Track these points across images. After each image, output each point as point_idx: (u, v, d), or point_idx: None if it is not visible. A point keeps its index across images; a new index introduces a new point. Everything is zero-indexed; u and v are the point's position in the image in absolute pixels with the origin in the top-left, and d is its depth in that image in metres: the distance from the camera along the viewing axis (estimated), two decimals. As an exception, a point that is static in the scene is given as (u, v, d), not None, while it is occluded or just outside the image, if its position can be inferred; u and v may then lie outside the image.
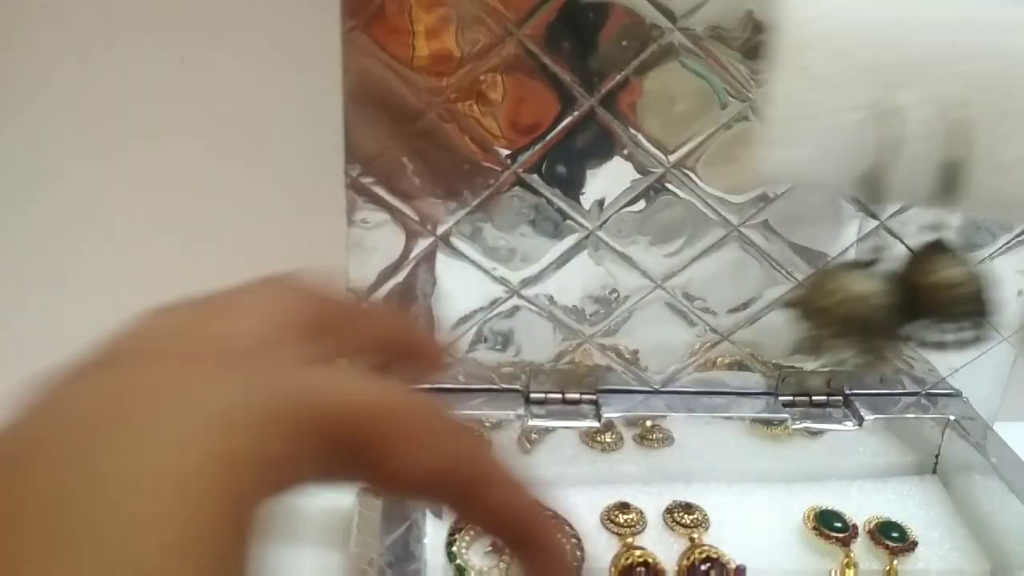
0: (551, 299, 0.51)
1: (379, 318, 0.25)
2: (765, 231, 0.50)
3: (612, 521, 0.50)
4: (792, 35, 0.35)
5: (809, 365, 0.55)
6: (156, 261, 0.58)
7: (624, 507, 0.51)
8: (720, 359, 0.54)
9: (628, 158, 0.47)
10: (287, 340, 0.20)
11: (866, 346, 0.38)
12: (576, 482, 0.53)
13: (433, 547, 0.47)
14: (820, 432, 0.55)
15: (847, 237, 0.51)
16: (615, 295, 0.51)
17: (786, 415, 0.54)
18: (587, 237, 0.49)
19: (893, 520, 0.51)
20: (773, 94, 0.36)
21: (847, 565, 0.49)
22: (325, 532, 0.54)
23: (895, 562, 0.49)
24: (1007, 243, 0.52)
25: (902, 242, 0.51)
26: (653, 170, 0.47)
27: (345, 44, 0.43)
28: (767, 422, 0.54)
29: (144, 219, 0.57)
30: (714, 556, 0.48)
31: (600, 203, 0.48)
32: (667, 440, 0.54)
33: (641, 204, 0.49)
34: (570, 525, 0.49)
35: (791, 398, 0.55)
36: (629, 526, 0.49)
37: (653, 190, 0.48)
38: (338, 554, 0.49)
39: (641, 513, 0.51)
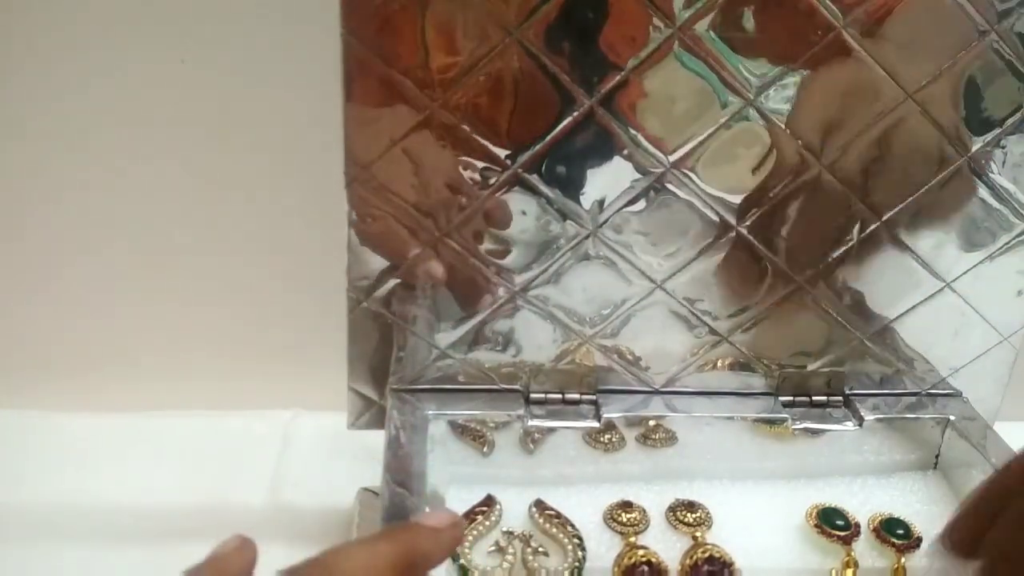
0: (551, 299, 0.51)
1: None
2: (765, 232, 0.50)
3: (615, 520, 0.50)
4: None
5: (809, 365, 0.55)
6: (155, 261, 0.58)
7: (627, 506, 0.51)
8: (721, 360, 0.54)
9: (628, 158, 0.47)
10: None
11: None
12: (578, 481, 0.53)
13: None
14: (821, 432, 0.55)
15: (847, 237, 0.51)
16: (615, 295, 0.51)
17: (786, 415, 0.54)
18: (587, 237, 0.49)
19: (897, 517, 0.51)
20: None
21: (847, 564, 0.49)
22: (325, 532, 0.54)
23: (903, 560, 0.49)
24: (1007, 243, 0.52)
25: (902, 242, 0.51)
26: (653, 170, 0.47)
27: (345, 44, 0.43)
28: (768, 422, 0.54)
29: (144, 219, 0.57)
30: (717, 555, 0.48)
31: (600, 203, 0.48)
32: (670, 440, 0.54)
33: (641, 204, 0.48)
34: (572, 525, 0.49)
35: (791, 398, 0.55)
36: (632, 525, 0.49)
37: (653, 190, 0.48)
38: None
39: (644, 512, 0.51)
